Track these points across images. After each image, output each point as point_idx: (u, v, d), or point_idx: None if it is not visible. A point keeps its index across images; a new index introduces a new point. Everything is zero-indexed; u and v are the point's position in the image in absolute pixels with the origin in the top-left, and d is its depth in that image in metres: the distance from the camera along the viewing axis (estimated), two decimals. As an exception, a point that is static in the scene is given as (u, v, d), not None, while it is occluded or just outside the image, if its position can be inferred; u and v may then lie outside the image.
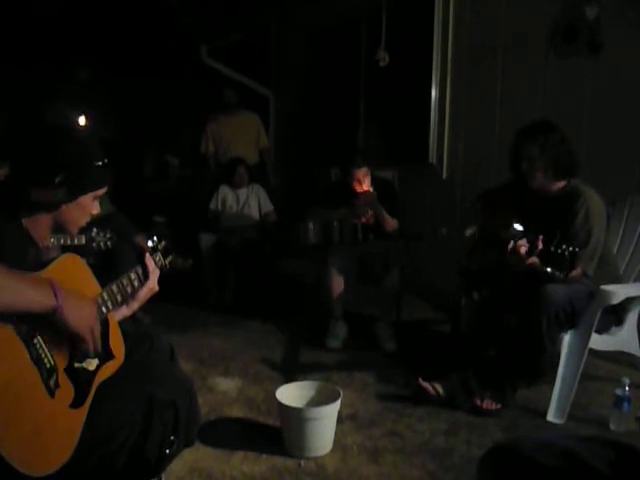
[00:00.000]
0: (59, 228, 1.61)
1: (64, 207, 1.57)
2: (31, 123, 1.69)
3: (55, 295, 1.32)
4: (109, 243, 2.88)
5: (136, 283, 1.77)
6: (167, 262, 1.96)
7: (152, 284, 1.82)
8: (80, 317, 1.38)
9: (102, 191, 1.67)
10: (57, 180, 1.50)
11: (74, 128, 1.75)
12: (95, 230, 2.77)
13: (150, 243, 1.92)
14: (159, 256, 1.92)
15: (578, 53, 3.71)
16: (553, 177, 2.77)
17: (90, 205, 1.66)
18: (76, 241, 2.56)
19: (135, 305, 1.79)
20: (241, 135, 5.76)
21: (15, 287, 1.26)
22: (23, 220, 1.53)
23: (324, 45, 6.12)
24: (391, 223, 3.86)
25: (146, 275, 1.81)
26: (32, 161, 1.53)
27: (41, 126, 1.65)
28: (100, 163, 1.63)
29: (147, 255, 1.83)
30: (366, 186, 3.87)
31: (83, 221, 1.67)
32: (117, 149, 5.83)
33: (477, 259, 2.99)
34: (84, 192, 1.60)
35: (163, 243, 1.96)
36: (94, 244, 2.81)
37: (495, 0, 4.29)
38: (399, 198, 4.12)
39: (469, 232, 2.95)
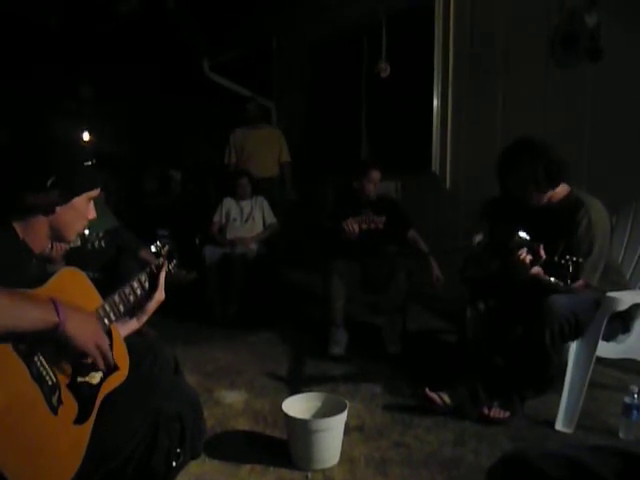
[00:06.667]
0: (56, 234, 1.58)
1: (59, 210, 1.54)
2: (21, 133, 1.67)
3: (57, 311, 1.29)
4: (102, 242, 2.85)
5: (139, 292, 1.74)
6: (171, 267, 1.94)
7: (160, 296, 1.80)
8: (84, 332, 1.36)
9: (96, 192, 1.65)
10: (49, 183, 1.49)
11: (59, 134, 1.73)
12: (87, 231, 2.74)
13: (153, 248, 1.90)
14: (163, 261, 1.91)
15: (578, 60, 3.72)
16: (538, 190, 2.73)
17: (85, 208, 1.63)
18: (71, 244, 2.53)
19: (144, 318, 1.78)
20: (263, 148, 5.82)
21: (15, 307, 1.24)
22: (18, 231, 1.51)
23: (326, 57, 6.16)
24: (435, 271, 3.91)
25: (154, 287, 1.79)
26: (22, 167, 1.52)
27: (27, 134, 1.63)
28: (89, 163, 1.62)
29: (162, 271, 1.81)
30: (373, 187, 3.99)
31: (79, 226, 1.64)
32: (120, 164, 5.87)
33: (479, 267, 2.97)
34: (77, 193, 1.58)
35: (167, 248, 1.94)
36: (89, 244, 2.79)
37: (495, 10, 4.32)
38: (402, 208, 4.17)
39: (477, 240, 2.93)
